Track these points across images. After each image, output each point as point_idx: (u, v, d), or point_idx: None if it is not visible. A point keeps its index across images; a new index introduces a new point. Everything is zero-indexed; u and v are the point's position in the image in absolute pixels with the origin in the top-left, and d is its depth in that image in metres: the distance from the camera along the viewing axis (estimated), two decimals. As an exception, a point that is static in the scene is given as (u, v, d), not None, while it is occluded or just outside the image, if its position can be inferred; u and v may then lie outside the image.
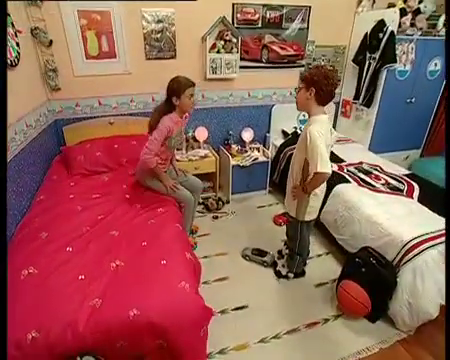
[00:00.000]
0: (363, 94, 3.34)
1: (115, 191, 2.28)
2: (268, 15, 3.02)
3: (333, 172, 2.65)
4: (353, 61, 3.41)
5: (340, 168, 2.79)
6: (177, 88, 1.97)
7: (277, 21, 3.07)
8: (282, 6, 3.03)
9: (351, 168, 2.80)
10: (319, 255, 2.52)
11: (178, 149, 3.01)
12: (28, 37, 2.32)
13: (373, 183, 2.55)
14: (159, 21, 2.73)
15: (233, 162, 3.06)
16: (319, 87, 1.65)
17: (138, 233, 1.83)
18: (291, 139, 3.32)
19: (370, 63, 3.22)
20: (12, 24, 1.96)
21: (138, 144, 2.78)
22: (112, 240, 1.77)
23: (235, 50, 2.95)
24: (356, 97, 3.45)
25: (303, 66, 3.37)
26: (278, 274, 2.27)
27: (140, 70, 2.85)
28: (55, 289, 1.39)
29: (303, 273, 2.29)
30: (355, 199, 2.33)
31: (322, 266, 2.40)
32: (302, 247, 2.12)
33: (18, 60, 1.99)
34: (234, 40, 2.91)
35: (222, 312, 1.98)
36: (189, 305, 1.41)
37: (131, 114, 2.99)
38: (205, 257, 2.44)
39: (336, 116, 3.85)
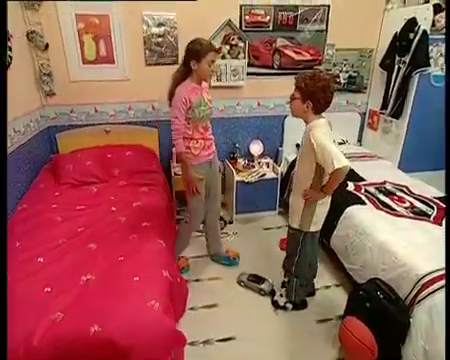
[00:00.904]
0: (391, 103, 3.34)
1: (101, 203, 2.46)
2: (280, 17, 3.17)
3: (347, 192, 2.72)
4: (380, 66, 3.44)
5: (357, 188, 2.80)
6: (198, 51, 2.00)
7: (291, 23, 3.21)
8: (296, 6, 3.17)
9: (371, 188, 2.80)
10: (327, 287, 2.51)
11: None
12: (23, 41, 2.63)
13: (394, 206, 2.54)
14: (160, 25, 2.96)
15: (238, 178, 3.17)
16: (316, 100, 1.77)
17: (117, 247, 1.96)
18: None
19: (399, 67, 3.23)
20: (6, 29, 2.25)
21: (133, 155, 3.00)
22: (88, 253, 1.91)
23: (242, 55, 3.12)
24: (384, 107, 3.45)
25: (321, 72, 3.46)
26: (275, 304, 2.30)
27: (139, 76, 3.08)
28: (18, 300, 1.53)
29: (304, 304, 2.30)
30: (368, 223, 2.33)
31: (329, 299, 2.39)
32: (300, 266, 2.15)
33: (9, 64, 2.27)
34: (241, 44, 3.08)
35: (205, 342, 2.04)
36: (155, 326, 1.50)
37: (129, 122, 3.22)
38: (196, 280, 2.52)
39: (362, 128, 3.86)
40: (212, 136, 2.34)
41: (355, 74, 3.63)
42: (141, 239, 2.06)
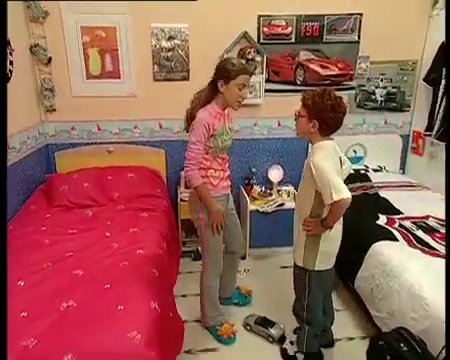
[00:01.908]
0: (437, 124, 3.37)
1: (95, 228, 2.67)
2: (304, 27, 3.38)
3: (376, 226, 2.76)
4: (424, 80, 3.51)
5: (390, 222, 2.82)
6: (228, 70, 2.05)
7: (316, 34, 3.41)
8: (322, 16, 3.37)
9: (407, 222, 2.81)
10: (351, 338, 2.51)
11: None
12: (26, 54, 3.00)
13: (433, 244, 2.53)
14: (170, 38, 3.25)
15: (252, 207, 3.29)
16: (323, 119, 1.86)
17: (105, 274, 2.12)
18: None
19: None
20: (9, 42, 2.60)
21: (136, 177, 3.23)
22: (73, 279, 2.09)
23: (260, 71, 3.34)
24: (429, 128, 3.49)
25: (353, 88, 3.61)
26: (284, 353, 2.33)
27: (147, 93, 3.37)
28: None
29: (318, 357, 2.30)
30: (396, 262, 2.34)
31: (351, 353, 2.37)
32: (312, 311, 2.17)
33: (9, 79, 2.60)
34: (258, 59, 3.31)
35: (198, 392, 2.11)
36: (135, 359, 1.61)
37: (134, 142, 3.50)
38: (197, 321, 2.61)
39: (405, 154, 3.88)
40: (229, 170, 2.41)
41: (395, 90, 3.71)
42: (132, 267, 2.20)
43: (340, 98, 1.88)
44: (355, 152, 3.78)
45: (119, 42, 3.21)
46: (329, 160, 1.84)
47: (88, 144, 3.43)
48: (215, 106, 2.17)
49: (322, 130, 1.89)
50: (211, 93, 2.17)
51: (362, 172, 3.65)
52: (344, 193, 1.74)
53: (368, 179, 3.52)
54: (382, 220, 2.85)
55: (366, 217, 2.88)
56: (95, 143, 3.44)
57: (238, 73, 2.06)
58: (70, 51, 3.16)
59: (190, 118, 2.17)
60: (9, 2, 2.14)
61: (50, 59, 3.10)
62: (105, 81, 3.29)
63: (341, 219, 2.03)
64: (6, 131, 1.91)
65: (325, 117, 1.84)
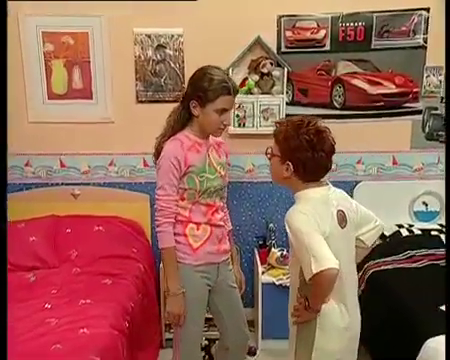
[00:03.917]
0: None
1: (35, 297, 2.75)
2: (342, 30, 3.43)
3: (439, 313, 2.62)
4: None
5: (459, 306, 2.68)
6: (204, 89, 2.06)
7: (360, 38, 3.45)
8: (370, 13, 3.40)
9: (489, 308, 2.66)
10: None
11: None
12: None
13: None
14: (160, 46, 3.43)
15: (265, 278, 3.25)
16: (298, 160, 1.81)
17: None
18: (388, 246, 3.34)
19: None
20: None
21: (106, 231, 3.33)
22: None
23: (278, 89, 3.40)
24: None
25: (420, 112, 3.57)
26: None
27: (127, 118, 3.53)
28: None
29: None
30: (457, 367, 2.21)
31: None
32: None
33: None
34: (277, 73, 3.38)
35: None
36: None
37: (109, 184, 3.63)
38: None
39: None
40: (228, 223, 2.41)
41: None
42: (67, 352, 2.20)
43: (324, 131, 1.85)
44: (425, 205, 3.66)
45: (92, 52, 3.43)
46: (310, 217, 1.75)
47: (47, 185, 3.59)
48: (190, 134, 2.21)
49: (298, 174, 1.84)
50: (184, 116, 2.21)
51: (434, 233, 3.50)
52: (327, 263, 1.63)
53: (441, 244, 3.36)
54: (446, 305, 2.71)
55: (427, 299, 2.75)
56: (56, 184, 3.60)
57: (217, 94, 2.07)
58: (27, 63, 3.40)
59: (158, 151, 2.23)
60: None
61: (0, 73, 3.37)
62: (72, 102, 3.50)
63: (354, 303, 1.96)
64: (6, 131, 2.06)
65: (300, 156, 1.79)
